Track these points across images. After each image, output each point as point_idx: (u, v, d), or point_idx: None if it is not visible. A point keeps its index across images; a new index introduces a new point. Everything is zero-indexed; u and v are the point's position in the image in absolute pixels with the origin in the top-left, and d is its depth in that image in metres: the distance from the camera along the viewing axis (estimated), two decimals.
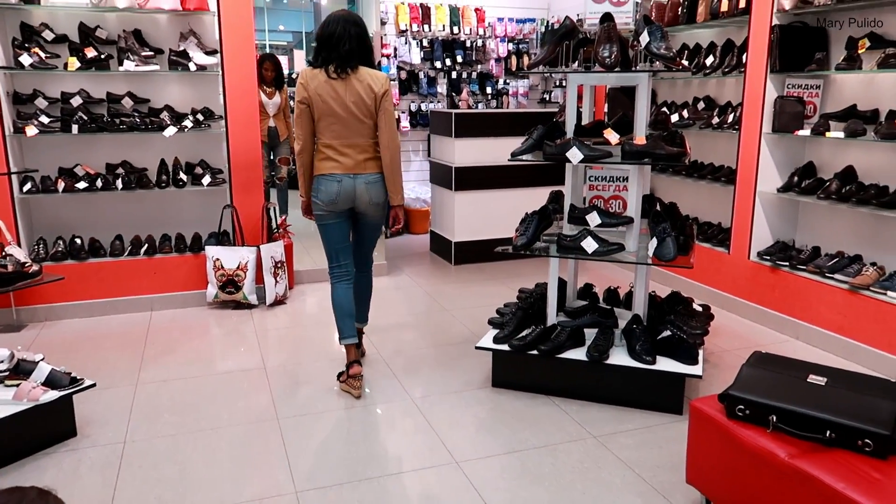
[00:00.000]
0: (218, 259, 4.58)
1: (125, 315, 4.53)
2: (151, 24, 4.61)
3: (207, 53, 4.56)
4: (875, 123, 3.77)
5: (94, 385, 2.97)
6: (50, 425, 2.85)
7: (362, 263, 3.59)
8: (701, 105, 5.02)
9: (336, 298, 3.41)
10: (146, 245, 4.62)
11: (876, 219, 3.85)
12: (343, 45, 3.10)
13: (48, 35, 4.36)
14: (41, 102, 4.39)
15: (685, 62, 4.91)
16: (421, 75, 7.21)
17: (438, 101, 7.33)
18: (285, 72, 6.70)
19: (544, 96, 7.65)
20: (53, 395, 2.79)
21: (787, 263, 4.12)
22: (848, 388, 2.10)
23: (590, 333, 3.34)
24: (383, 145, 3.20)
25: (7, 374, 2.87)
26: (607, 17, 3.07)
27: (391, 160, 3.23)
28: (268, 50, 11.39)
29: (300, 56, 9.27)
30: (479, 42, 7.27)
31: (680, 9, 4.90)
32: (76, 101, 4.43)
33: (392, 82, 7.04)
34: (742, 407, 2.13)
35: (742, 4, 4.36)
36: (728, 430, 2.14)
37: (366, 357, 3.81)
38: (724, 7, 4.51)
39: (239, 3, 4.50)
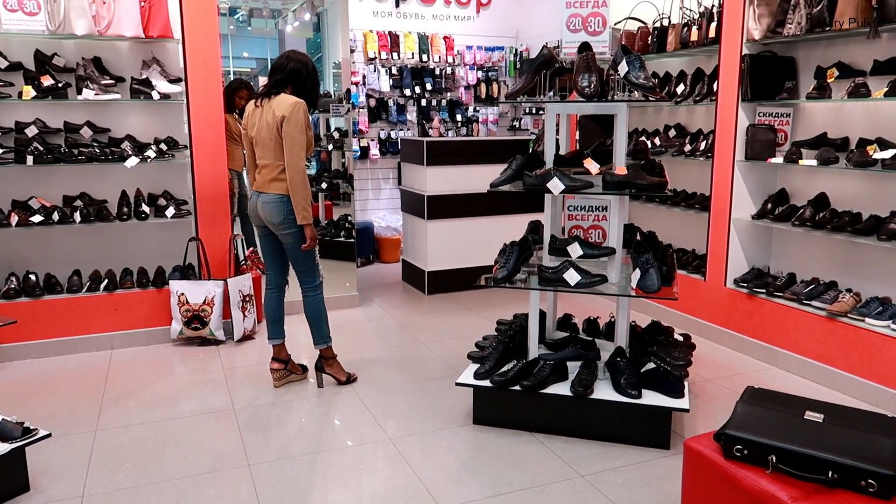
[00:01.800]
0: (183, 294, 4.39)
1: (83, 354, 4.29)
2: (112, 52, 4.45)
3: (171, 81, 4.41)
4: (845, 151, 3.81)
5: (48, 435, 2.76)
6: (0, 481, 2.63)
7: (301, 283, 3.72)
8: (672, 132, 5.05)
9: (264, 303, 3.83)
10: (106, 280, 4.40)
11: (850, 245, 3.87)
12: (276, 75, 3.50)
13: (1, 63, 4.16)
14: None
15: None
16: (390, 103, 7.15)
17: (408, 129, 7.28)
18: None
19: (514, 123, 7.65)
20: (4, 448, 2.58)
21: (764, 290, 4.12)
22: (847, 426, 2.04)
23: (572, 366, 3.26)
24: (286, 169, 3.41)
25: None
26: (586, 47, 3.04)
27: (290, 182, 3.41)
28: (232, 76, 11.23)
29: (264, 83, 9.15)
30: (449, 70, 7.25)
31: (650, 38, 4.94)
32: (31, 131, 4.22)
33: (361, 110, 6.99)
34: (740, 447, 2.05)
35: (711, 34, 4.41)
36: (726, 471, 2.06)
37: (338, 394, 3.66)
38: (694, 37, 4.55)
39: (204, 30, 4.38)
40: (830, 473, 1.90)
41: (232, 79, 6.34)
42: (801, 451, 1.96)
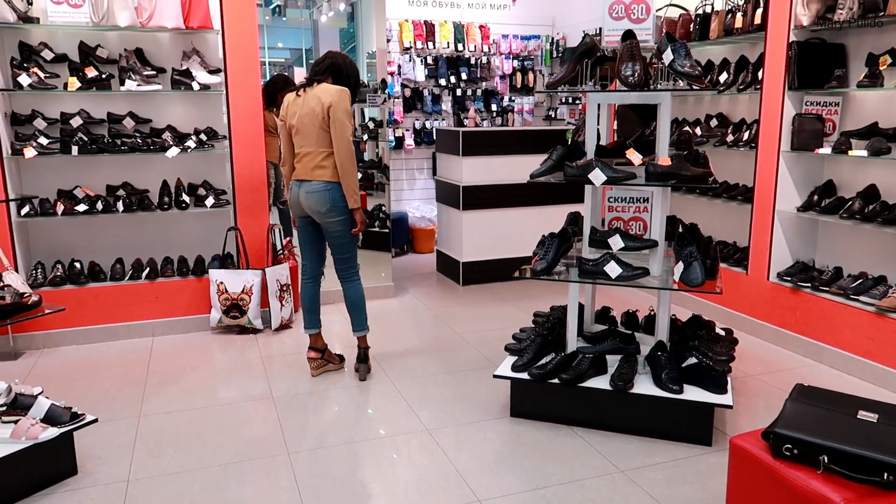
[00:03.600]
0: (222, 283, 4.44)
1: (126, 341, 4.39)
2: (153, 43, 4.51)
3: (211, 72, 4.45)
4: None
5: (95, 420, 2.83)
6: (49, 464, 2.70)
7: (341, 272, 3.73)
8: (714, 122, 4.93)
9: (300, 293, 3.87)
10: (148, 269, 4.49)
11: None
12: (317, 67, 3.59)
13: (47, 54, 4.26)
14: (40, 123, 4.28)
15: None
16: (425, 93, 7.12)
17: (443, 119, 7.25)
18: None
19: (550, 113, 7.58)
20: (53, 432, 2.64)
21: (809, 285, 4.01)
22: None
23: (611, 360, 3.22)
24: (335, 154, 3.44)
25: (4, 409, 2.73)
26: (630, 35, 2.98)
27: (342, 167, 3.45)
28: (267, 66, 11.36)
29: (300, 73, 9.22)
30: (484, 59, 7.20)
31: (692, 25, 4.83)
32: (76, 122, 4.31)
33: (396, 100, 6.98)
34: (790, 446, 2.00)
35: (757, 21, 4.28)
36: (775, 470, 2.01)
37: (375, 384, 3.68)
38: (738, 23, 4.43)
39: (244, 22, 4.41)
40: (886, 475, 1.85)
41: (269, 71, 6.39)
42: (854, 451, 1.90)
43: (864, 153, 3.67)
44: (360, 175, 6.79)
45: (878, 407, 2.09)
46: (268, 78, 5.95)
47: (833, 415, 2.06)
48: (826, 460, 1.93)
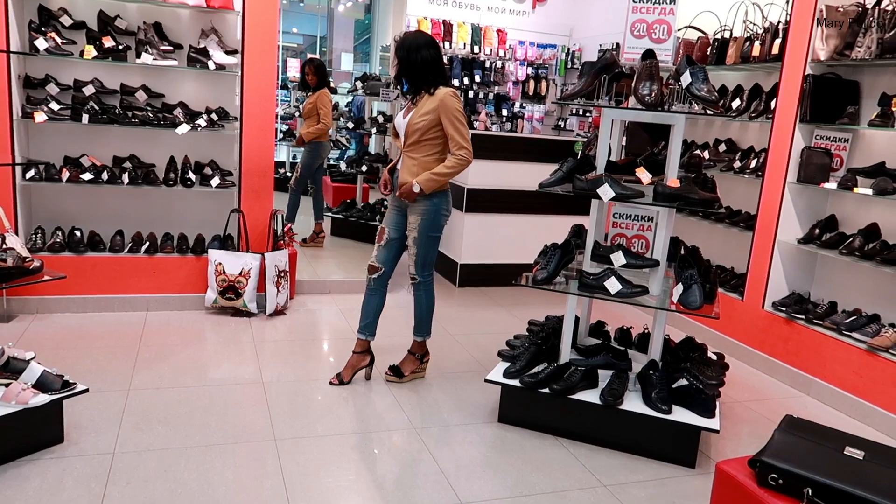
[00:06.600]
0: (220, 263, 4.45)
1: (120, 314, 4.38)
2: (173, 18, 4.51)
3: (227, 53, 4.46)
4: None
5: (86, 390, 2.83)
6: (37, 430, 2.70)
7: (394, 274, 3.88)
8: (722, 147, 4.96)
9: (432, 301, 3.73)
10: (147, 243, 4.48)
11: None
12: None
13: (66, 20, 4.25)
14: (53, 88, 4.27)
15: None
16: None
17: None
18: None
19: (559, 123, 7.59)
20: (44, 398, 2.64)
21: (803, 317, 4.04)
22: (888, 465, 2.00)
23: (602, 375, 3.24)
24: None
25: None
26: (650, 54, 2.99)
27: None
28: (280, 51, 11.34)
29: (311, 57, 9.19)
30: (499, 63, 7.21)
31: (709, 49, 4.85)
32: (89, 90, 4.31)
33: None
34: (775, 476, 2.02)
35: (774, 51, 4.31)
36: (759, 498, 2.03)
37: (365, 379, 3.70)
38: (756, 52, 4.46)
39: (265, 4, 4.41)
40: None
41: (281, 55, 6.41)
42: (838, 486, 1.92)
43: (870, 191, 3.70)
44: (364, 168, 6.82)
45: (865, 444, 2.12)
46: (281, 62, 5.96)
47: (820, 448, 2.08)
48: (810, 493, 1.95)
